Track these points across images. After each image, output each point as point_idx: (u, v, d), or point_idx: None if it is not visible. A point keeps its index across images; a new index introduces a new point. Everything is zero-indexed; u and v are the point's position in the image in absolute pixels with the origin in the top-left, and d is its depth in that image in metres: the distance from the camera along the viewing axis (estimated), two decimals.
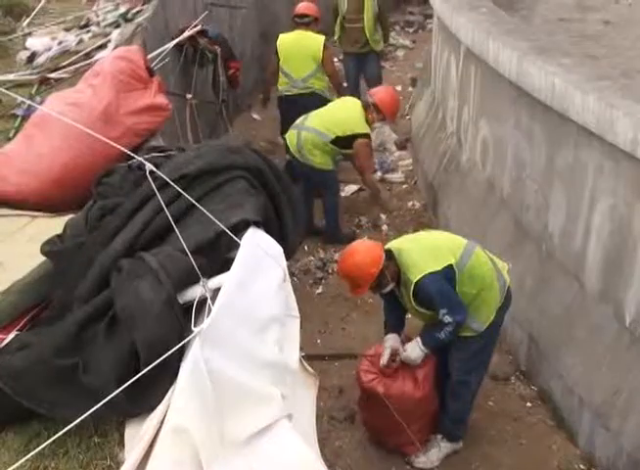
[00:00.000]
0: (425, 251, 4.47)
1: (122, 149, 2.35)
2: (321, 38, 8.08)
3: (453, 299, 4.36)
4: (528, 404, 5.21)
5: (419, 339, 4.51)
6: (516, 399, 5.29)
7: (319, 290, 6.74)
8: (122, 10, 7.99)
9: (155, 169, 2.27)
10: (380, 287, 4.50)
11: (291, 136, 7.19)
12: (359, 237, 7.21)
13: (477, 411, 5.04)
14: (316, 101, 7.74)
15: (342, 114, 7.16)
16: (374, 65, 9.76)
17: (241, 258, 2.28)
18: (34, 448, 2.42)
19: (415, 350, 4.49)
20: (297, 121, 7.22)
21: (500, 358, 5.63)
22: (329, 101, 7.80)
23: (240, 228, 2.42)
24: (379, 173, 8.78)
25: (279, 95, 8.35)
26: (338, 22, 9.57)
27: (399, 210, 8.17)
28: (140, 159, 2.35)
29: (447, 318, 4.30)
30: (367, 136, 7.14)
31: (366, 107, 7.15)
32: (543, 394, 5.21)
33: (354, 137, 7.03)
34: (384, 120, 7.62)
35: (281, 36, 8.27)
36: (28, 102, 3.68)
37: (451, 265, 4.36)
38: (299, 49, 8.05)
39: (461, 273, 4.40)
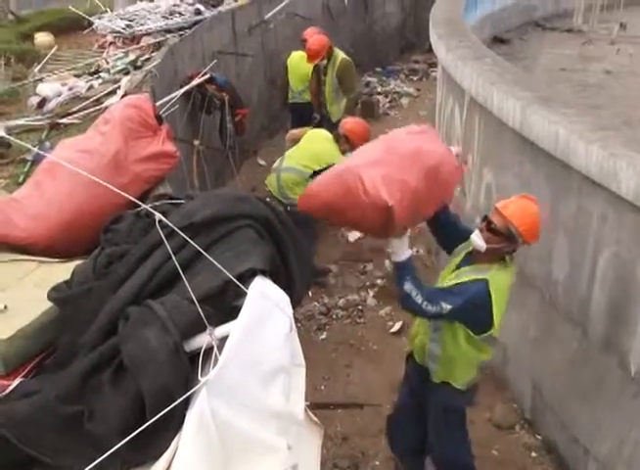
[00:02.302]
0: None
1: (130, 198, 2.37)
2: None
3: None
4: (533, 454, 5.17)
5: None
6: (520, 449, 5.26)
7: (323, 336, 6.74)
8: (132, 57, 8.13)
9: (163, 218, 2.29)
10: None
11: (270, 180, 7.38)
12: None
13: (480, 460, 4.99)
14: (309, 110, 9.49)
15: (316, 148, 7.29)
16: None
17: (248, 307, 2.28)
18: None
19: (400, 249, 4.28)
20: (275, 165, 7.42)
21: (504, 407, 5.60)
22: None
23: (247, 277, 2.43)
24: None
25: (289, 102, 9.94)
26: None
27: None
28: (148, 207, 2.37)
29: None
30: None
31: (337, 138, 7.27)
32: (548, 443, 5.18)
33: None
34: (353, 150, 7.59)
35: (292, 54, 9.89)
36: (36, 150, 3.71)
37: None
38: (298, 68, 9.62)
39: None
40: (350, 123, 7.40)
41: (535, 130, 5.43)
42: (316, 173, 7.03)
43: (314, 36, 9.14)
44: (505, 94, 6.08)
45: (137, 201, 2.34)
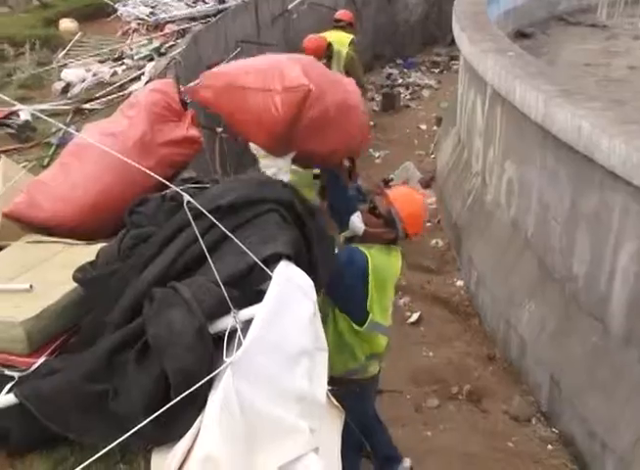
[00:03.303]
0: None
1: (159, 178, 2.38)
2: (349, 37, 9.73)
3: None
4: (549, 447, 5.16)
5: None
6: (536, 442, 5.25)
7: None
8: (156, 44, 8.17)
9: (191, 200, 2.31)
10: None
11: None
12: None
13: (496, 452, 5.00)
14: None
15: None
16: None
17: (273, 290, 2.30)
18: None
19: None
20: None
21: (521, 399, 5.60)
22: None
23: (272, 261, 2.44)
24: None
25: None
26: None
27: (422, 247, 8.19)
28: (177, 189, 2.39)
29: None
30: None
31: None
32: (565, 436, 5.17)
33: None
34: None
35: (323, 34, 9.76)
36: (70, 130, 3.74)
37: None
38: (337, 44, 9.53)
39: None
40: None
41: (558, 124, 5.40)
42: (317, 176, 7.03)
43: (309, 37, 9.19)
44: (528, 87, 6.06)
45: (166, 182, 2.35)
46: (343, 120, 3.82)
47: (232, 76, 4.08)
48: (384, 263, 4.14)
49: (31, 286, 3.09)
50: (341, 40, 9.77)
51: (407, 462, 4.88)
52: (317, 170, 6.97)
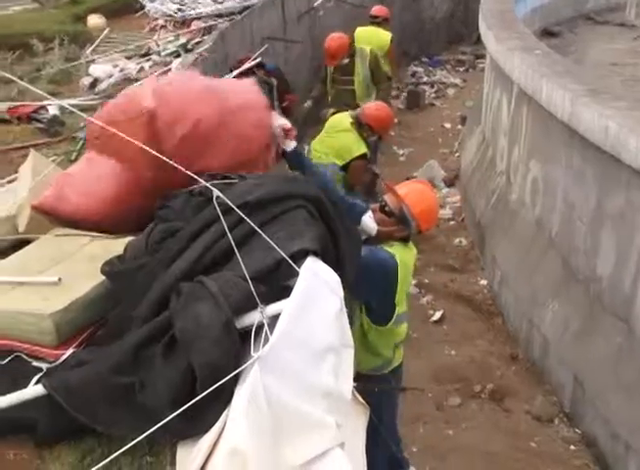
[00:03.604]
0: None
1: (187, 172, 2.40)
2: (389, 34, 10.17)
3: None
4: (572, 448, 5.14)
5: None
6: (559, 442, 5.23)
7: None
8: (183, 40, 8.21)
9: (221, 195, 2.32)
10: None
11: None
12: None
13: (518, 451, 4.99)
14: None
15: (338, 142, 7.16)
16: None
17: (300, 286, 2.31)
18: (88, 464, 2.48)
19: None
20: None
21: (544, 399, 5.58)
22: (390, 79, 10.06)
23: (299, 257, 2.45)
24: None
25: None
26: (328, 80, 9.60)
27: (445, 246, 8.18)
28: (206, 184, 2.41)
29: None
30: (363, 156, 7.18)
31: (359, 126, 7.14)
32: (588, 437, 5.15)
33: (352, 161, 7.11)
34: (377, 136, 7.51)
35: (358, 29, 10.12)
36: (101, 124, 3.74)
37: None
38: (376, 40, 9.85)
39: None
40: (371, 110, 7.20)
41: (585, 123, 5.38)
42: (343, 168, 7.03)
43: (331, 36, 9.16)
44: (554, 86, 6.03)
45: (195, 176, 2.37)
46: (230, 127, 3.46)
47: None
48: (406, 260, 4.15)
49: (60, 279, 3.13)
50: (378, 36, 9.97)
51: None
52: (343, 162, 6.99)
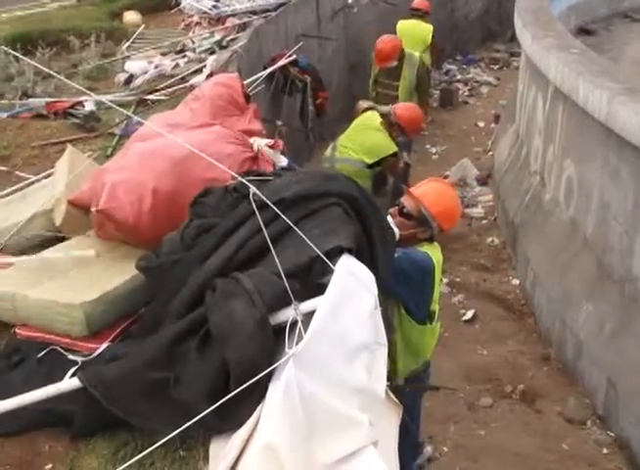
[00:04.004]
0: None
1: (224, 168, 2.41)
2: (430, 27, 10.40)
3: None
4: (605, 450, 5.08)
5: None
6: (591, 444, 5.18)
7: None
8: (218, 37, 8.25)
9: (257, 192, 2.33)
10: None
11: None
12: None
13: (550, 453, 4.95)
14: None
15: (368, 141, 7.16)
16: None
17: (334, 283, 2.31)
18: (122, 457, 2.51)
19: None
20: (327, 154, 7.31)
21: (576, 401, 5.53)
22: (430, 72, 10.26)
23: (333, 254, 2.45)
24: None
25: None
26: (371, 82, 9.55)
27: (477, 245, 8.14)
28: (243, 180, 2.41)
29: None
30: (394, 154, 7.20)
31: (389, 125, 7.14)
32: (621, 440, 5.09)
33: (383, 159, 7.11)
34: (405, 136, 7.49)
35: (400, 22, 10.41)
36: (139, 119, 3.78)
37: None
38: (414, 33, 10.07)
39: None
40: (402, 110, 7.25)
41: (622, 122, 5.31)
42: (370, 166, 7.02)
43: (383, 38, 9.12)
44: (591, 85, 5.97)
45: (232, 172, 2.38)
46: (190, 174, 3.39)
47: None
48: (438, 258, 4.13)
49: (98, 254, 3.18)
50: (420, 30, 10.20)
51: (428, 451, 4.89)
52: (368, 163, 6.98)
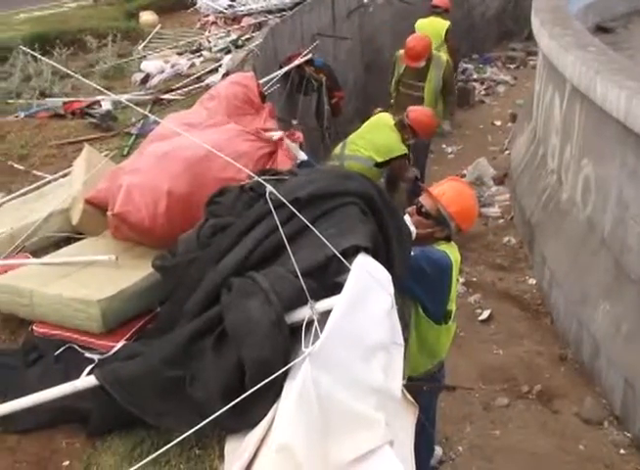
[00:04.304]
0: None
1: (241, 167, 2.41)
2: (447, 23, 10.50)
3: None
4: (622, 451, 5.05)
5: None
6: (608, 445, 5.14)
7: None
8: (233, 36, 8.27)
9: (274, 191, 2.33)
10: None
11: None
12: None
13: (566, 454, 4.92)
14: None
15: (379, 140, 7.15)
16: (421, 149, 8.62)
17: (351, 283, 2.30)
18: (138, 455, 2.51)
19: None
20: (336, 151, 7.30)
21: (593, 402, 5.49)
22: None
23: (350, 253, 2.45)
24: None
25: None
26: (393, 82, 9.42)
27: (494, 244, 8.10)
28: (259, 178, 2.41)
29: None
30: (404, 156, 7.19)
31: (401, 127, 7.12)
32: (638, 441, 5.05)
33: (392, 159, 7.10)
34: (418, 138, 7.43)
35: (419, 21, 10.53)
36: (157, 119, 3.79)
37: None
38: (431, 29, 10.03)
39: None
40: (416, 113, 7.25)
41: None
42: (379, 165, 7.00)
43: (415, 36, 9.06)
44: (609, 84, 5.92)
45: (249, 171, 2.38)
46: (202, 184, 3.37)
47: None
48: (456, 257, 4.12)
49: (117, 258, 3.20)
50: (433, 26, 10.23)
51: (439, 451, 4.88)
52: (376, 161, 6.98)
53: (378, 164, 7.05)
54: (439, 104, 9.16)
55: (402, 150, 7.11)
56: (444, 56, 9.17)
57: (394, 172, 7.27)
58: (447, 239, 4.15)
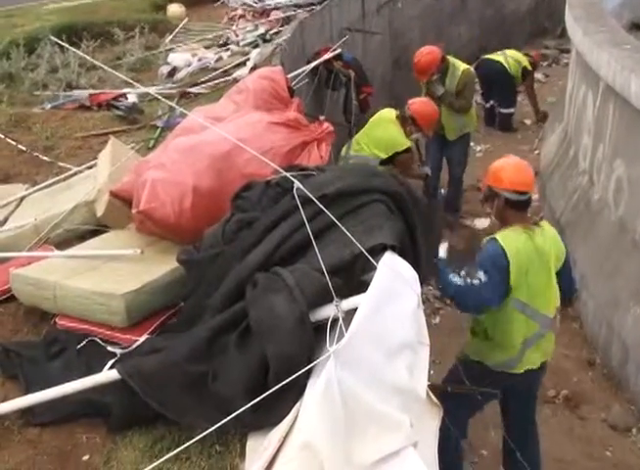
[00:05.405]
0: None
1: (269, 162, 2.37)
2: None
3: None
4: None
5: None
6: (636, 452, 5.03)
7: (436, 320, 6.65)
8: (261, 30, 8.22)
9: (301, 187, 2.28)
10: None
11: None
12: None
13: (592, 460, 4.83)
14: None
15: (381, 135, 6.99)
16: (458, 150, 8.59)
17: (377, 281, 2.26)
18: (159, 450, 2.49)
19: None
20: (343, 152, 7.17)
21: (621, 408, 5.39)
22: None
23: (376, 251, 2.40)
24: None
25: None
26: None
27: None
28: (287, 174, 2.37)
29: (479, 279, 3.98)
30: (408, 150, 7.03)
31: (403, 120, 6.98)
32: None
33: (396, 154, 6.93)
34: (421, 132, 7.23)
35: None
36: (184, 111, 3.76)
37: None
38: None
39: None
40: (417, 104, 7.10)
41: None
42: (383, 162, 6.88)
43: (422, 50, 8.47)
44: None
45: (277, 167, 2.33)
46: (226, 179, 3.36)
47: None
48: (524, 246, 3.96)
49: (142, 251, 3.18)
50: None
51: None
52: (381, 158, 6.88)
53: (383, 162, 6.92)
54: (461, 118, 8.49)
55: (405, 143, 6.93)
56: (462, 65, 8.63)
57: (399, 168, 7.05)
58: (505, 220, 4.04)
